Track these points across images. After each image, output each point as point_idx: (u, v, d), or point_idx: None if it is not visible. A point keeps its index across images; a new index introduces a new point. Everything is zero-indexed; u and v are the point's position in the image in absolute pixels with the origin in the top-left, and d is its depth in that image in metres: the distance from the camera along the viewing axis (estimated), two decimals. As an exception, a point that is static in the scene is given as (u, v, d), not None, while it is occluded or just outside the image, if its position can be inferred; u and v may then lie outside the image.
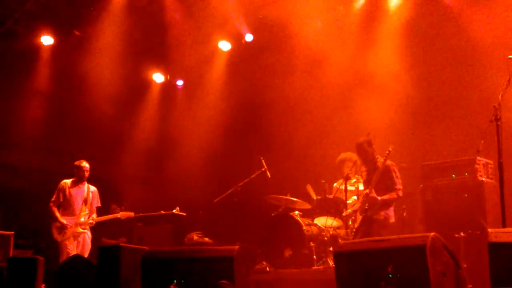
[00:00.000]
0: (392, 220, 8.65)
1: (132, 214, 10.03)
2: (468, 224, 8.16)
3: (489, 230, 4.92)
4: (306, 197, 9.54)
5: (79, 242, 9.62)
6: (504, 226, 5.83)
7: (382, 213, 8.51)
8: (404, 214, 9.10)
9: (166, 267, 6.20)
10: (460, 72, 9.54)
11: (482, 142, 6.01)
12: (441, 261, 5.27)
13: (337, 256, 5.75)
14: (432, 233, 5.30)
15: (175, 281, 5.96)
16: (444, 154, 9.21)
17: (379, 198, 8.38)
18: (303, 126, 10.79)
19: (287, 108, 11.06)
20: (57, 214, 9.65)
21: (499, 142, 5.89)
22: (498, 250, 4.79)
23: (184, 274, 6.12)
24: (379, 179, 8.46)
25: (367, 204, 8.48)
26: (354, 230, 8.68)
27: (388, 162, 8.57)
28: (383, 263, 5.30)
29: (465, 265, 7.60)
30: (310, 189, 9.44)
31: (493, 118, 5.89)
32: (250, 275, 6.83)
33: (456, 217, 8.41)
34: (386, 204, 8.52)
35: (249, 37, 11.54)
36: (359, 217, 8.63)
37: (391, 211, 8.62)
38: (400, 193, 8.53)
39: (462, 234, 8.02)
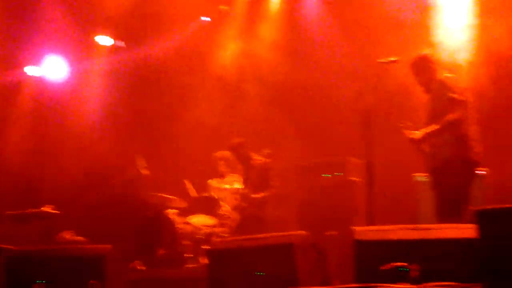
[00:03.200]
0: (271, 218, 8.82)
1: None
2: (339, 222, 8.40)
3: (355, 228, 5.04)
4: (183, 195, 9.50)
5: None
6: (370, 224, 5.99)
7: (260, 212, 8.65)
8: (280, 213, 9.25)
9: (32, 267, 5.96)
10: (332, 74, 9.79)
11: (353, 143, 6.19)
12: (309, 259, 5.38)
13: (209, 254, 5.75)
14: (301, 232, 5.41)
15: (38, 281, 5.73)
16: (318, 154, 9.41)
17: (255, 196, 8.53)
18: (181, 124, 10.69)
19: (166, 106, 10.93)
20: None
21: (369, 144, 6.07)
22: (362, 247, 4.91)
23: (52, 274, 5.91)
24: (256, 178, 8.60)
25: (243, 204, 8.60)
26: (231, 228, 8.79)
27: (265, 160, 8.75)
28: (254, 261, 5.35)
29: (334, 263, 7.80)
30: (189, 185, 9.42)
31: (363, 120, 6.08)
32: (122, 274, 6.72)
33: (328, 215, 8.67)
34: (263, 203, 8.66)
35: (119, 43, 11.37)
36: (238, 216, 8.74)
37: (268, 210, 8.79)
38: (276, 191, 8.69)
39: (333, 232, 8.24)
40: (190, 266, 8.52)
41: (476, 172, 6.50)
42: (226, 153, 9.53)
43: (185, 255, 8.73)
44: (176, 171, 10.12)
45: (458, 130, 6.20)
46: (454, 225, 5.13)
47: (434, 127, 6.18)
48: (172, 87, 10.91)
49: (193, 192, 9.43)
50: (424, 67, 6.50)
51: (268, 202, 8.78)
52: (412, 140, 6.07)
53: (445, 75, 6.42)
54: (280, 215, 9.23)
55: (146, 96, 10.97)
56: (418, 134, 6.06)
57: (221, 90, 10.69)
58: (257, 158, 8.84)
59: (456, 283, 4.24)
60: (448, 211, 6.04)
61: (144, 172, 9.35)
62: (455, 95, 6.20)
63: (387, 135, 8.59)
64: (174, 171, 10.12)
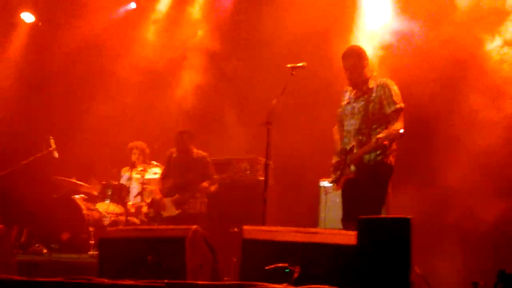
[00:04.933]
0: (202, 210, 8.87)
1: None
2: (244, 220, 8.52)
3: (244, 226, 5.14)
4: (93, 181, 9.47)
5: None
6: (264, 224, 6.11)
7: (198, 206, 8.77)
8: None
9: None
10: (245, 77, 9.93)
11: (253, 142, 6.29)
12: (199, 254, 5.47)
13: (102, 241, 5.76)
14: (194, 226, 5.48)
15: None
16: (229, 151, 9.52)
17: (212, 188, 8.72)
18: (97, 110, 10.56)
19: (85, 90, 10.78)
20: None
21: (269, 145, 6.19)
22: (249, 246, 5.03)
23: None
24: (194, 168, 8.70)
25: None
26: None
27: (204, 153, 8.87)
28: (145, 252, 5.40)
29: (234, 259, 7.94)
30: (93, 181, 9.42)
31: (265, 121, 6.18)
32: (15, 256, 6.66)
33: (234, 212, 8.79)
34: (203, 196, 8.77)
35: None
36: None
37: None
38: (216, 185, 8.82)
39: (235, 229, 8.36)
40: (94, 253, 8.49)
41: None
42: (140, 143, 9.54)
43: (89, 241, 8.74)
44: (88, 157, 10.02)
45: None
46: (339, 231, 5.31)
47: (387, 132, 6.14)
48: (88, 73, 10.74)
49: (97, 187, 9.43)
50: (358, 61, 6.43)
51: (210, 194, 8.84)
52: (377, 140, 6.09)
53: (385, 78, 6.44)
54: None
55: (59, 79, 10.79)
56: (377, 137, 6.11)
57: (138, 80, 10.61)
58: (197, 151, 8.89)
59: (333, 287, 4.36)
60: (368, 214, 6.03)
61: (55, 154, 9.25)
62: (402, 105, 6.26)
63: (295, 138, 8.81)
64: (85, 157, 10.02)
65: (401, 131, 6.07)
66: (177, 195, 8.75)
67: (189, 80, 10.23)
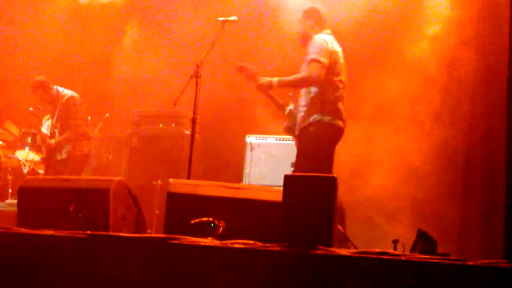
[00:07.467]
0: (83, 152, 8.62)
1: None
2: (168, 173, 8.50)
3: (170, 180, 5.09)
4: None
5: None
6: (189, 178, 6.09)
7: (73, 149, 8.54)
8: (110, 157, 9.19)
9: None
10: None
11: (179, 95, 6.21)
12: (123, 206, 5.39)
13: (21, 191, 5.59)
14: (118, 178, 5.39)
15: None
16: (155, 103, 9.40)
17: (53, 142, 8.43)
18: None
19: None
20: None
21: (196, 98, 6.14)
22: (174, 199, 5.00)
23: None
24: (60, 116, 8.51)
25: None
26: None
27: (69, 96, 8.55)
28: (67, 203, 5.28)
29: (157, 212, 7.94)
30: (10, 126, 9.12)
31: (193, 74, 6.11)
32: None
33: (158, 165, 8.74)
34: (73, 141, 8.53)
35: None
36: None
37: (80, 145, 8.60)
38: (80, 130, 8.53)
39: (159, 182, 8.33)
40: (12, 201, 8.30)
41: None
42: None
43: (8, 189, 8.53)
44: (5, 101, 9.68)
45: (322, 94, 6.33)
46: (264, 187, 5.32)
47: (289, 78, 6.39)
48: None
49: (15, 131, 9.16)
50: (306, 19, 6.61)
51: (72, 142, 8.51)
52: (259, 86, 6.35)
53: (320, 34, 6.49)
54: (110, 159, 9.19)
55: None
56: (264, 80, 6.32)
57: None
58: (63, 95, 8.58)
59: (256, 242, 4.38)
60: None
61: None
62: (316, 56, 6.28)
63: (223, 93, 8.76)
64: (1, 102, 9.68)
65: (301, 75, 6.31)
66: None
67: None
